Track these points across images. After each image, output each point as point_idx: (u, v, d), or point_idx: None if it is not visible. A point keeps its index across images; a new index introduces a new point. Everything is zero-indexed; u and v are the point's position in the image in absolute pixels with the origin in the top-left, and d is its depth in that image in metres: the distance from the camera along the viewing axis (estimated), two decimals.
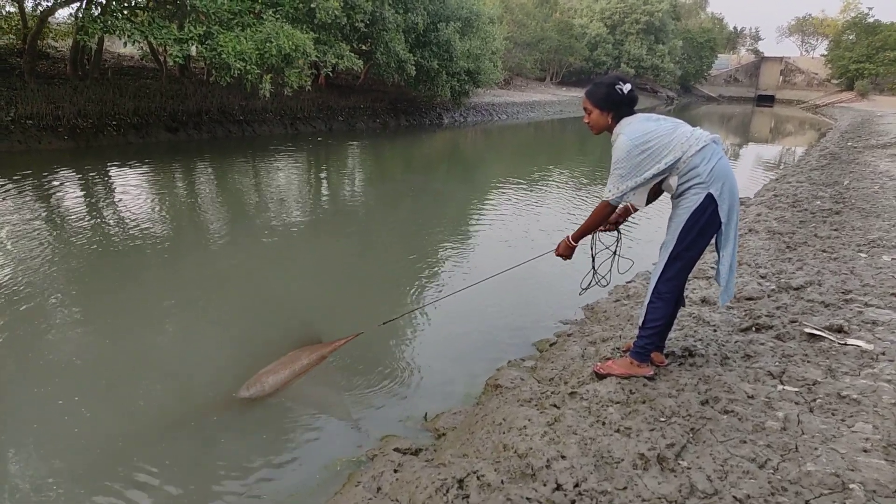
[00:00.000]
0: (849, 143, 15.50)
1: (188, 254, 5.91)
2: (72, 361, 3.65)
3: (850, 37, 49.97)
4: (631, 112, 2.70)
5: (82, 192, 8.19)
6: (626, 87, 2.66)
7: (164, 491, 2.57)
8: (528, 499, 2.02)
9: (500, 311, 4.73)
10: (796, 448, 2.18)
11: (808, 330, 3.27)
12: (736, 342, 3.25)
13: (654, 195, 2.81)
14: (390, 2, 16.36)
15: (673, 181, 2.65)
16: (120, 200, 7.86)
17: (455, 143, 18.82)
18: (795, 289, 4.10)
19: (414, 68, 17.93)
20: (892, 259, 4.60)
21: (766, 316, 3.58)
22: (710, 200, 2.58)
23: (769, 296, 4.01)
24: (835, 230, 5.77)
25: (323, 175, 11.51)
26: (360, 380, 3.58)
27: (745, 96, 63.75)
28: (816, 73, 59.75)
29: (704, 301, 4.05)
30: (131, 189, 8.50)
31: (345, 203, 9.08)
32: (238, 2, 11.58)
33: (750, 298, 4.00)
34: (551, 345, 4.02)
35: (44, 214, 6.90)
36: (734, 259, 2.73)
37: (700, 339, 3.32)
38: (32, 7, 12.59)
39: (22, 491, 2.52)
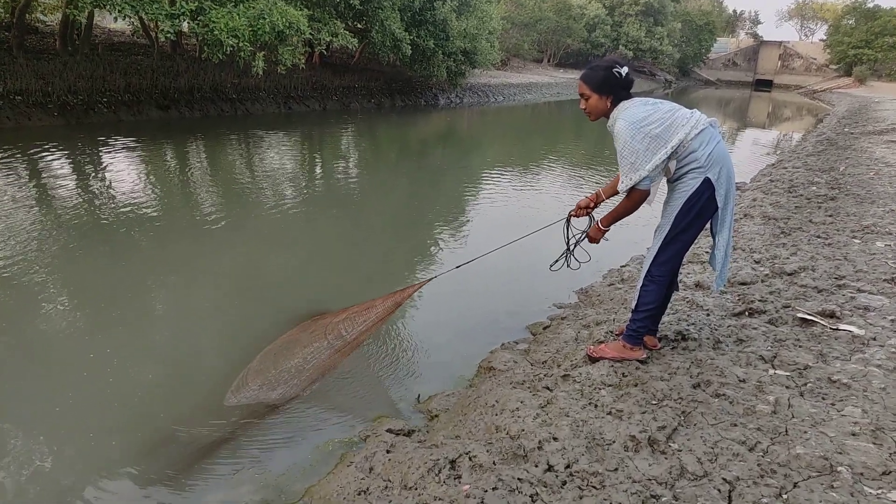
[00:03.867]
0: (846, 129, 15.48)
1: (182, 233, 5.86)
2: (60, 345, 3.63)
3: (850, 22, 49.71)
4: (628, 95, 2.66)
5: (73, 171, 8.10)
6: (624, 70, 2.62)
7: (150, 470, 2.57)
8: (519, 479, 2.02)
9: (494, 293, 4.73)
10: (786, 431, 2.20)
11: (800, 315, 3.28)
12: (729, 326, 3.26)
13: None
14: None
15: (672, 165, 2.62)
16: (111, 179, 7.77)
17: (451, 124, 18.68)
18: (789, 274, 4.11)
19: (409, 47, 17.72)
20: (886, 245, 4.61)
21: (760, 301, 3.58)
22: (707, 185, 2.56)
23: (763, 281, 4.02)
24: (829, 216, 5.77)
25: (317, 155, 11.42)
26: (353, 361, 3.57)
27: (743, 80, 63.43)
28: (815, 59, 59.45)
29: (698, 285, 4.06)
30: (123, 167, 8.41)
31: (340, 183, 9.02)
32: None
33: (744, 283, 4.01)
34: (545, 328, 4.02)
35: (33, 192, 6.82)
36: (729, 244, 2.73)
37: (693, 324, 3.32)
38: None
39: None
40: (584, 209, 2.99)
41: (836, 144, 12.13)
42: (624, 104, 2.63)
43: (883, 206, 5.96)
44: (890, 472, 1.93)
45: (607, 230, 2.85)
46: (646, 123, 2.51)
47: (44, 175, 7.65)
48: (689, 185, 2.58)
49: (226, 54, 11.20)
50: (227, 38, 10.67)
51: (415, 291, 3.48)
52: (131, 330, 3.83)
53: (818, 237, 5.01)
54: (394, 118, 18.03)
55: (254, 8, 11.18)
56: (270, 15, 11.21)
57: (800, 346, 2.93)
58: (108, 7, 9.91)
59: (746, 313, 3.45)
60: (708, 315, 3.47)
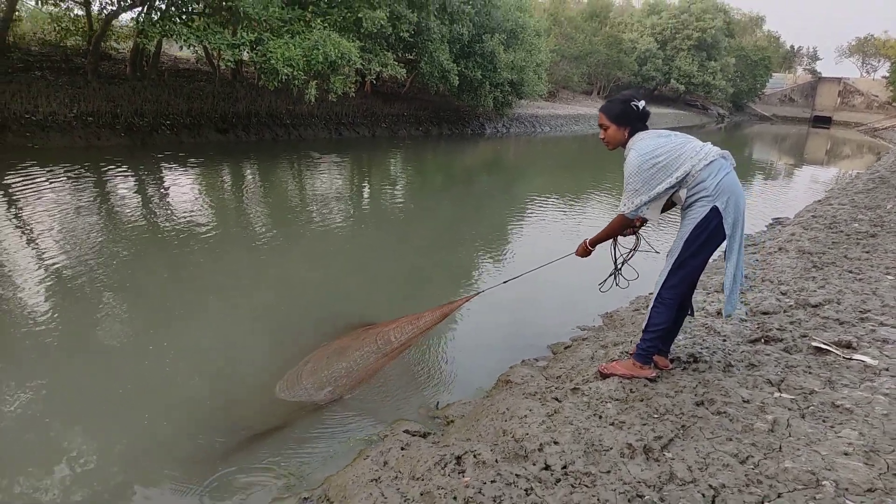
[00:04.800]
0: None
1: (236, 246, 6.25)
2: (123, 338, 3.99)
3: None
4: (644, 127, 2.85)
5: (137, 186, 8.72)
6: (641, 104, 2.82)
7: (191, 451, 2.83)
8: (517, 475, 2.18)
9: (523, 313, 4.92)
10: (780, 448, 2.28)
11: (815, 344, 3.32)
12: (742, 352, 3.32)
13: (666, 206, 2.93)
14: (435, 13, 16.69)
15: (682, 193, 2.77)
16: (173, 195, 8.34)
17: (497, 153, 19.02)
18: (813, 306, 4.12)
19: (457, 78, 18.23)
20: None
21: (778, 329, 3.63)
22: (714, 213, 2.70)
23: (785, 311, 4.05)
24: (866, 252, 5.71)
25: (366, 178, 11.88)
26: (386, 368, 3.76)
27: (799, 117, 61.91)
28: (877, 96, 57.59)
29: (720, 313, 4.11)
30: (184, 185, 9.00)
31: (386, 205, 9.38)
32: (289, 10, 12.08)
33: (766, 313, 4.05)
34: (566, 347, 4.16)
35: (102, 205, 7.39)
36: (738, 271, 2.83)
37: (707, 347, 3.41)
38: (98, 10, 13.46)
39: (48, 486, 2.60)
40: (630, 228, 3.18)
41: (888, 183, 11.82)
42: (639, 135, 2.81)
43: None
44: (875, 489, 1.99)
45: (593, 250, 3.09)
46: (654, 155, 2.68)
47: (111, 189, 8.26)
48: (698, 213, 2.73)
49: (281, 82, 11.83)
50: (283, 66, 11.29)
51: (463, 304, 3.76)
52: (187, 329, 4.20)
53: (850, 272, 4.98)
54: (441, 146, 18.48)
55: (308, 39, 11.80)
56: (324, 46, 11.80)
57: (809, 373, 2.98)
58: (174, 37, 10.68)
59: (762, 340, 3.51)
60: (724, 341, 3.54)
